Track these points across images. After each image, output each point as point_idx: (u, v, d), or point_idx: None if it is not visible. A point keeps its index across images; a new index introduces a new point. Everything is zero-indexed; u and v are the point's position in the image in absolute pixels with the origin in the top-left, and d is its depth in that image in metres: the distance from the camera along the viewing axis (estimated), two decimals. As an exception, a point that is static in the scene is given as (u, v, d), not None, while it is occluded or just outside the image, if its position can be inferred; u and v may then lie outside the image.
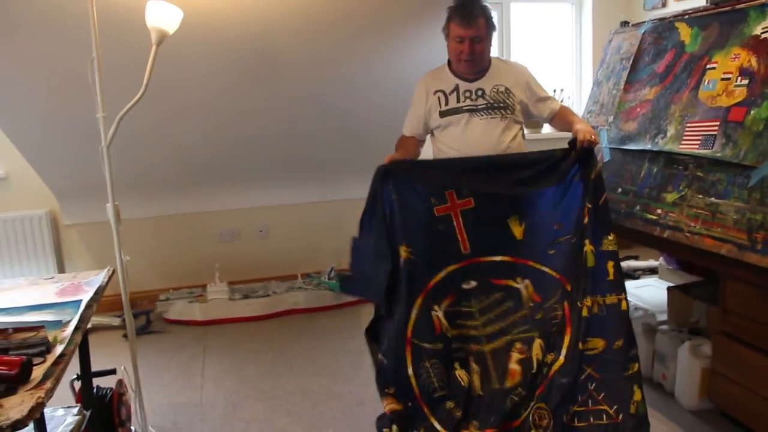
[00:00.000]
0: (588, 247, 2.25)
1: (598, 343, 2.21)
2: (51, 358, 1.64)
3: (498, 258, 2.38)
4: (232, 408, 2.90)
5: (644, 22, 3.06)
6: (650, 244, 2.69)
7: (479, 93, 2.56)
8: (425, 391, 2.27)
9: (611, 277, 2.23)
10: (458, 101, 2.57)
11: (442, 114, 2.57)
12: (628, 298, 3.17)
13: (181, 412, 2.87)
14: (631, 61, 3.02)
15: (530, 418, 2.21)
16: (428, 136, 2.73)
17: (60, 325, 1.84)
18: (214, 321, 3.90)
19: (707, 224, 2.33)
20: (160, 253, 4.25)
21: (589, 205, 2.25)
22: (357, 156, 4.31)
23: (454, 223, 2.39)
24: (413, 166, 2.51)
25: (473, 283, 2.37)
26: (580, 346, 2.21)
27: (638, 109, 2.86)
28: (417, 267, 2.34)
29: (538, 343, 2.28)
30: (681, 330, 2.80)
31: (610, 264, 2.24)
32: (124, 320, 3.86)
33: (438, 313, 2.34)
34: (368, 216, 2.41)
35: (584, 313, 2.22)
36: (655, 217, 2.57)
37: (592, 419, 2.16)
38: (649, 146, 2.71)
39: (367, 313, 4.03)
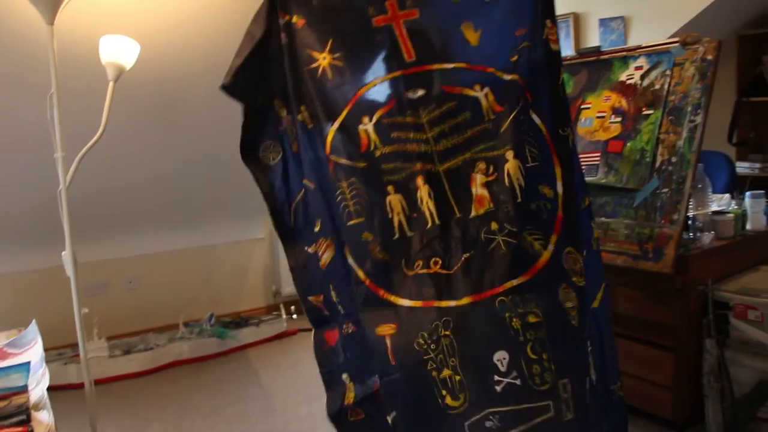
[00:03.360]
0: (563, 75, 2.00)
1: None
2: (41, 426, 1.51)
3: (451, 65, 1.96)
4: (155, 468, 2.73)
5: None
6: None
7: None
8: (340, 220, 1.88)
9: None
10: None
11: None
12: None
13: (97, 481, 2.64)
14: (505, 103, 3.40)
15: (565, 263, 1.84)
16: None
17: (24, 389, 1.69)
18: (96, 382, 3.61)
19: (601, 241, 2.70)
20: (17, 315, 3.83)
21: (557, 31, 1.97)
22: (231, 200, 4.29)
23: (396, 33, 1.96)
24: None
25: (420, 92, 1.93)
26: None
27: (519, 145, 3.23)
28: (345, 74, 1.95)
29: (515, 164, 1.87)
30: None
31: None
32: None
33: (367, 126, 1.91)
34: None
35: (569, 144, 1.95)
36: (550, 238, 2.92)
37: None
38: (534, 176, 3.07)
39: (256, 358, 4.00)
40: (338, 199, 1.86)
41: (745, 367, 2.47)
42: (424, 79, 1.94)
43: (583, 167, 2.85)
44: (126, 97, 3.19)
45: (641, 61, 2.78)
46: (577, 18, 4.70)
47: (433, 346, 1.71)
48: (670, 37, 3.35)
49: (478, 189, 1.88)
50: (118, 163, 3.55)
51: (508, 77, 1.93)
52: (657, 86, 2.68)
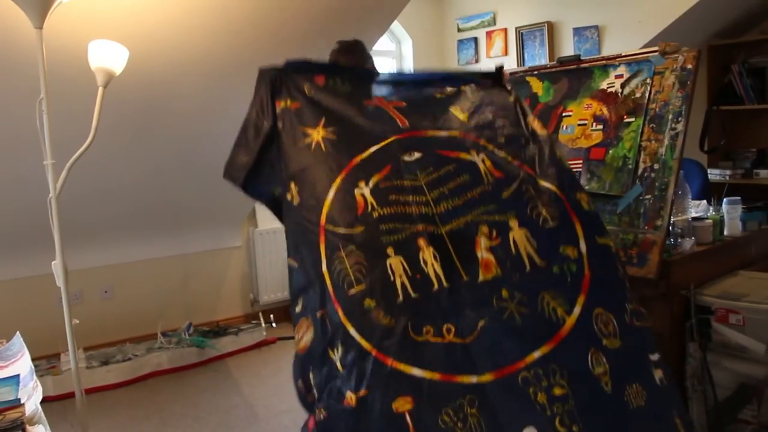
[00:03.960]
0: (558, 153, 2.11)
1: (610, 243, 2.01)
2: (38, 440, 1.48)
3: (445, 133, 2.02)
4: (139, 481, 2.68)
5: (494, 76, 3.50)
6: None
7: None
8: (339, 286, 1.73)
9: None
10: None
11: None
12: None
13: (80, 495, 2.59)
14: (486, 110, 3.44)
15: (595, 325, 1.77)
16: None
17: (18, 403, 1.64)
18: (71, 394, 3.52)
19: (585, 246, 2.74)
20: (-10, 327, 3.75)
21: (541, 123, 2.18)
22: (208, 208, 4.25)
23: (387, 109, 2.06)
24: (323, 66, 2.15)
25: (417, 155, 1.94)
26: (600, 240, 1.94)
27: (501, 152, 3.26)
28: (339, 145, 1.94)
29: (521, 233, 1.85)
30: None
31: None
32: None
33: (363, 190, 1.86)
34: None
35: (584, 204, 1.99)
36: (533, 244, 2.95)
37: (643, 320, 1.93)
38: (517, 183, 3.10)
39: (236, 367, 3.96)
40: (337, 269, 1.75)
41: (726, 370, 2.52)
42: (419, 142, 1.97)
43: (566, 174, 2.90)
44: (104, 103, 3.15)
45: (621, 70, 2.83)
46: (551, 27, 4.79)
47: (460, 425, 1.58)
48: (643, 47, 3.43)
49: (483, 253, 1.83)
50: (94, 171, 3.47)
51: (500, 154, 2.01)
52: (638, 94, 2.74)
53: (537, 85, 3.20)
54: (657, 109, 2.66)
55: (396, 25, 5.22)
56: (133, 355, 3.83)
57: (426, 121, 2.04)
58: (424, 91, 2.16)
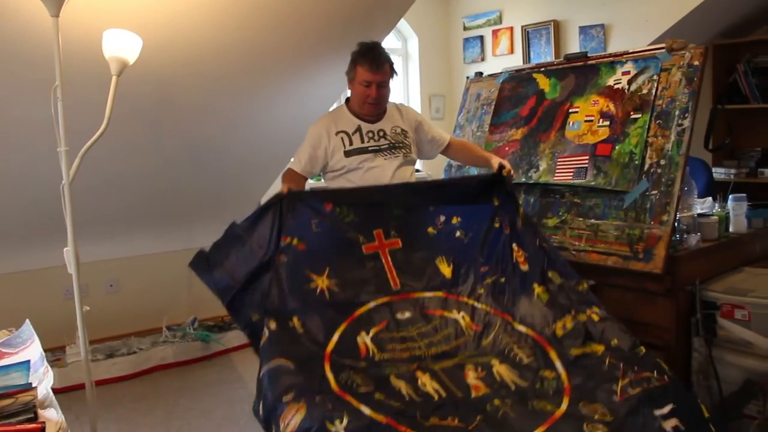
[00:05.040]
0: (538, 290, 2.35)
1: (598, 348, 2.15)
2: (51, 424, 1.49)
3: (430, 294, 2.42)
4: (145, 472, 2.69)
5: (500, 72, 3.51)
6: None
7: (381, 134, 2.76)
8: (347, 386, 1.97)
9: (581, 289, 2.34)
10: (362, 141, 2.73)
11: (348, 153, 2.71)
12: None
13: (86, 485, 2.60)
14: (493, 106, 3.44)
15: (582, 411, 1.92)
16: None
17: (30, 387, 1.66)
18: (76, 386, 3.54)
19: (591, 242, 2.75)
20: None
21: (526, 253, 2.43)
22: (213, 203, 4.26)
23: (383, 261, 2.45)
24: (329, 193, 2.56)
25: (408, 314, 2.35)
26: (576, 351, 2.15)
27: (507, 148, 3.27)
28: (341, 296, 2.30)
29: (504, 367, 2.15)
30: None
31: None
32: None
33: (365, 339, 2.21)
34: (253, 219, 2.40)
35: (558, 332, 2.22)
36: (539, 240, 2.95)
37: (645, 384, 1.97)
38: (523, 180, 3.10)
39: (240, 362, 3.97)
40: (344, 379, 1.99)
41: (732, 365, 2.53)
42: (409, 304, 2.37)
43: (572, 170, 2.91)
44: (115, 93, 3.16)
45: (628, 66, 2.84)
46: (557, 25, 4.80)
47: None
48: (649, 45, 3.44)
49: (472, 381, 2.11)
50: (102, 162, 3.47)
51: (479, 306, 2.39)
52: (644, 91, 2.75)
53: (544, 82, 3.22)
54: (663, 106, 2.67)
55: (402, 23, 5.23)
56: (138, 348, 3.84)
57: (415, 281, 2.44)
58: (421, 222, 2.56)
